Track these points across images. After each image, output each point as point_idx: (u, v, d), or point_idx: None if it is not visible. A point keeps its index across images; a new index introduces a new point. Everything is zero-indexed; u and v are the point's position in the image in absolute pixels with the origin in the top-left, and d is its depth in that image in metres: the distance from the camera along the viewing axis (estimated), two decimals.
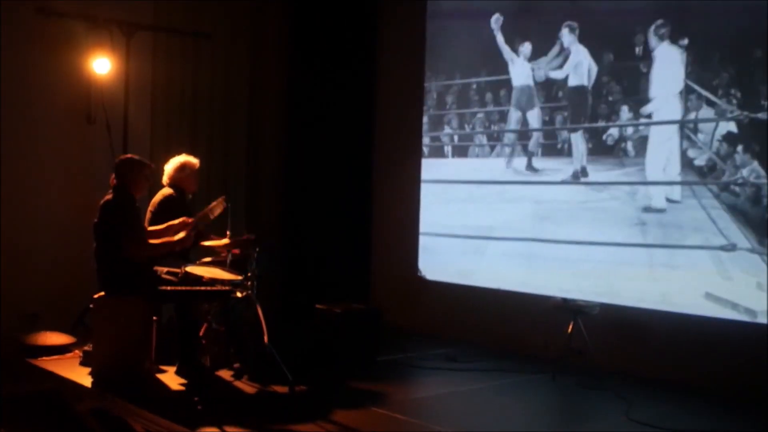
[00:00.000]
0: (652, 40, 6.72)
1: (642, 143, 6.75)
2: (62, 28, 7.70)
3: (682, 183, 6.46)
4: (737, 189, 6.16)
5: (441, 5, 8.39)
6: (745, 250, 6.07)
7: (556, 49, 7.34)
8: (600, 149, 7.06)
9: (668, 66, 6.63)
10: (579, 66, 7.21)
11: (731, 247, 6.15)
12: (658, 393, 6.22)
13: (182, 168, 6.67)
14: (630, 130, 6.85)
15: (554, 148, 7.39)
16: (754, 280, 5.99)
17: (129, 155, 6.33)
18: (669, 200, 6.67)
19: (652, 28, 6.69)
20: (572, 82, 7.27)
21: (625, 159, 6.89)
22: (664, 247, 6.54)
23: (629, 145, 6.85)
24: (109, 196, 6.01)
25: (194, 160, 6.77)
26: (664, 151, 6.67)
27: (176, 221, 6.18)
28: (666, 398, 6.13)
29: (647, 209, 6.77)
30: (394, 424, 5.39)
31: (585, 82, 7.17)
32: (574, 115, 7.28)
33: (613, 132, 6.96)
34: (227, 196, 6.46)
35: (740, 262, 6.10)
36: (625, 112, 6.86)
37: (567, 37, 7.27)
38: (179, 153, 6.84)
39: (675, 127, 6.58)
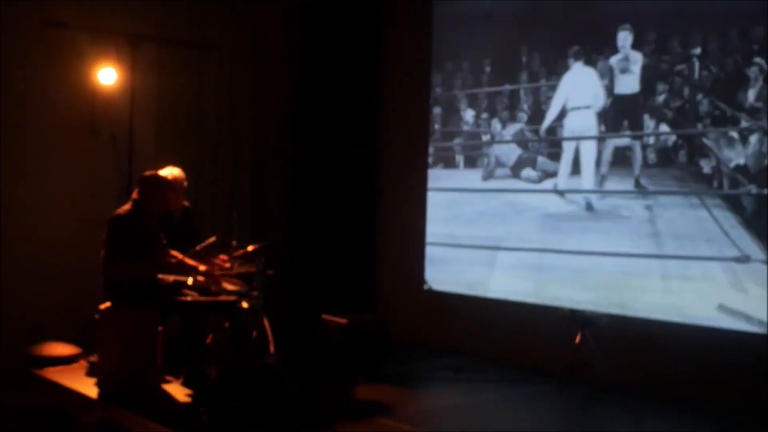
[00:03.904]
0: (569, 60, 7.29)
1: (661, 155, 6.70)
2: (67, 39, 7.70)
3: (694, 193, 6.42)
4: (750, 200, 6.12)
5: (448, 12, 8.38)
6: (760, 261, 6.02)
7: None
8: (615, 159, 7.04)
9: (581, 83, 7.20)
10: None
11: (745, 259, 6.09)
12: (667, 406, 6.17)
13: None
14: (651, 140, 6.80)
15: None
16: None
17: (152, 173, 6.14)
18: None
19: (570, 51, 7.29)
20: None
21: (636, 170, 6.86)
22: (677, 259, 6.49)
23: (644, 157, 6.80)
24: (125, 207, 5.91)
25: (179, 174, 6.50)
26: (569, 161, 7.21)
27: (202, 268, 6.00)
28: (676, 411, 6.08)
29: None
30: None
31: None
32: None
33: (626, 144, 6.93)
34: (239, 221, 6.34)
35: (754, 273, 6.04)
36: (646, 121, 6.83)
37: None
38: (185, 165, 6.70)
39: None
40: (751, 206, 6.12)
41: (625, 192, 6.89)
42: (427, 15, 8.46)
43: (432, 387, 6.86)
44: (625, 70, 6.96)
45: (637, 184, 6.84)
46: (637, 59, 6.87)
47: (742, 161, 6.19)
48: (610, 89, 7.07)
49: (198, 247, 6.30)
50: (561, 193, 7.35)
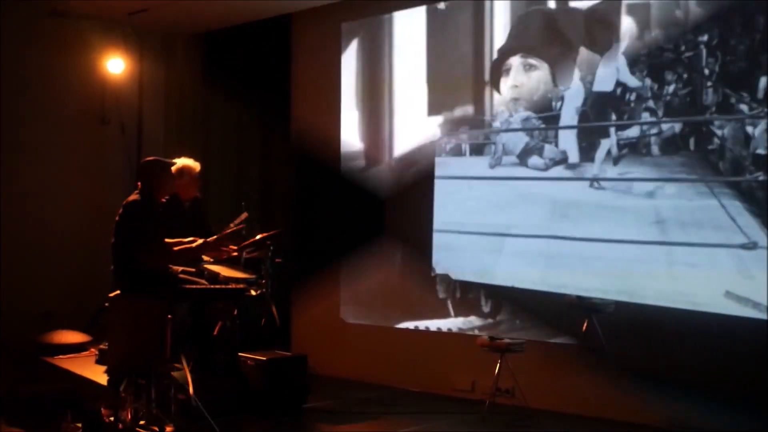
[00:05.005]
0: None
1: (668, 142, 6.69)
2: (76, 29, 7.75)
3: (701, 180, 6.41)
4: (758, 187, 6.10)
5: None
6: (766, 248, 5.99)
7: None
8: (621, 148, 7.02)
9: None
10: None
11: (752, 246, 6.07)
12: (674, 392, 6.18)
13: (180, 173, 6.33)
14: (654, 129, 6.78)
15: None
16: None
17: (153, 158, 6.11)
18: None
19: None
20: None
21: (644, 158, 6.84)
22: (684, 245, 6.48)
23: (652, 144, 6.79)
24: (133, 197, 5.88)
25: (194, 164, 6.49)
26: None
27: (199, 241, 5.93)
28: (683, 397, 6.09)
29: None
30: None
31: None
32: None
33: (634, 131, 6.91)
34: (247, 212, 6.36)
35: (761, 260, 6.00)
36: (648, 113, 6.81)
37: None
38: (193, 154, 6.71)
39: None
40: (758, 193, 6.11)
41: (632, 180, 6.88)
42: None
43: None
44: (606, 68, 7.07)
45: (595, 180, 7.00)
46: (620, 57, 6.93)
47: (749, 148, 6.17)
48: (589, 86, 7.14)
49: (232, 225, 6.27)
50: (570, 179, 7.34)
